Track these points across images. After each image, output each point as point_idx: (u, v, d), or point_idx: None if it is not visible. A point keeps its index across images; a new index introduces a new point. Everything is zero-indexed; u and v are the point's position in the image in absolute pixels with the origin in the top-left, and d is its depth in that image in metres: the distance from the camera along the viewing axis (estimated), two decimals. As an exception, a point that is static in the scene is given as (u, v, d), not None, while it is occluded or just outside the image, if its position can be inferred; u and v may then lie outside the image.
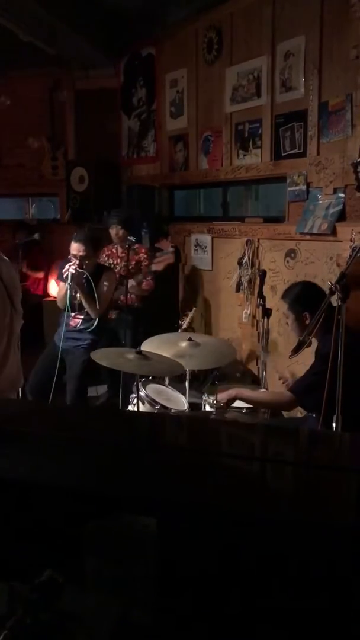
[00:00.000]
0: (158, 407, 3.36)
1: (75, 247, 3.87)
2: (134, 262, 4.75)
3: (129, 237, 4.53)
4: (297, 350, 2.70)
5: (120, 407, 3.97)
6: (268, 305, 3.86)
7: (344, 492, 1.32)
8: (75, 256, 3.86)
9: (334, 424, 2.34)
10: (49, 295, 6.29)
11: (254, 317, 4.73)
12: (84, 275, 3.83)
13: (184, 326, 4.69)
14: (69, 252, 3.98)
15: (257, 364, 4.70)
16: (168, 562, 1.14)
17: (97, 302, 3.92)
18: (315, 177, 4.04)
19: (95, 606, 1.05)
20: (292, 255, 4.33)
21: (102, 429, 1.72)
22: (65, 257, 4.00)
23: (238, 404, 3.19)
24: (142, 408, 3.37)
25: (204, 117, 5.20)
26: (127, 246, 4.46)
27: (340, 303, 2.32)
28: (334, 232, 3.79)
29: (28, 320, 2.70)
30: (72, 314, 3.97)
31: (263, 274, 4.06)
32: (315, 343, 2.84)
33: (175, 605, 1.17)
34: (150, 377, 3.77)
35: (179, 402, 3.63)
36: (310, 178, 4.09)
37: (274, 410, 3.21)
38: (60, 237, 6.43)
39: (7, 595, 0.99)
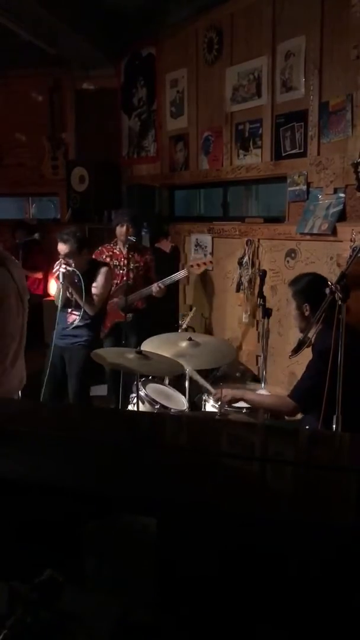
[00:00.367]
0: (158, 406, 3.37)
1: (59, 247, 3.90)
2: (142, 263, 4.74)
3: (129, 237, 4.52)
4: (297, 350, 2.70)
5: (120, 407, 3.97)
6: (268, 305, 3.86)
7: (344, 492, 1.32)
8: (61, 255, 3.88)
9: (333, 424, 2.33)
10: (49, 295, 6.29)
11: (254, 317, 4.73)
12: (76, 274, 3.81)
13: (184, 326, 4.70)
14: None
15: (257, 364, 4.70)
16: (168, 562, 1.14)
17: (92, 299, 3.91)
18: (316, 177, 4.04)
19: (95, 606, 1.05)
20: (293, 255, 4.33)
21: (102, 428, 1.72)
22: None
23: (238, 403, 3.19)
24: (142, 408, 3.38)
25: (205, 117, 5.20)
26: (127, 246, 4.45)
27: (340, 303, 2.32)
28: (334, 232, 3.79)
29: (28, 320, 2.74)
30: (69, 310, 3.97)
31: (263, 274, 4.06)
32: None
33: (175, 605, 1.17)
34: (150, 377, 3.77)
35: (179, 401, 3.63)
36: (310, 178, 4.09)
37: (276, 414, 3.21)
38: (61, 237, 6.43)
39: (7, 595, 0.99)
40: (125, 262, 4.71)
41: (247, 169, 4.74)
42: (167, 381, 3.96)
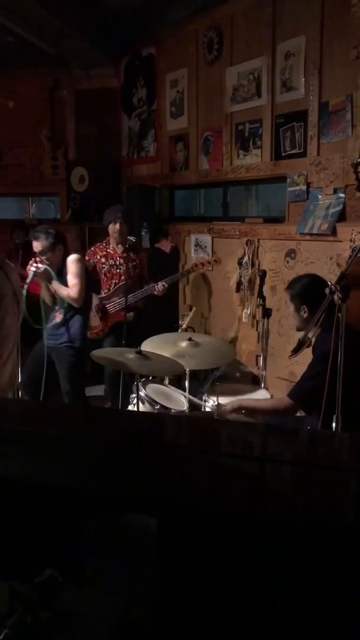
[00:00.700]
0: (158, 407, 3.37)
1: (33, 244, 3.93)
2: (137, 261, 4.75)
3: (129, 237, 4.51)
4: (297, 350, 2.71)
5: (119, 407, 3.98)
6: (268, 305, 3.86)
7: (344, 492, 1.32)
8: (36, 253, 3.91)
9: (333, 424, 2.34)
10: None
11: (253, 317, 4.73)
12: (48, 271, 3.83)
13: (184, 326, 4.70)
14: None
15: (256, 364, 4.70)
16: (168, 562, 1.14)
17: (73, 291, 3.91)
18: (316, 177, 4.04)
19: (95, 606, 1.05)
20: (292, 255, 4.34)
21: (102, 428, 1.72)
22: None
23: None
24: (141, 408, 3.38)
25: (204, 117, 5.20)
26: (127, 245, 4.45)
27: (340, 303, 2.32)
28: (334, 232, 3.79)
29: (27, 320, 2.76)
30: (56, 308, 4.00)
31: (263, 274, 4.06)
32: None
33: (175, 605, 1.17)
34: (150, 377, 3.78)
35: (179, 402, 3.63)
36: (310, 178, 4.09)
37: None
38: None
39: (7, 595, 0.99)
40: (121, 261, 4.71)
41: (247, 169, 4.74)
42: (167, 381, 3.96)
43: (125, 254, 4.63)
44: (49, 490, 1.31)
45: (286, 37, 4.23)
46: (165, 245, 5.55)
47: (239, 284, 4.83)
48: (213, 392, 3.36)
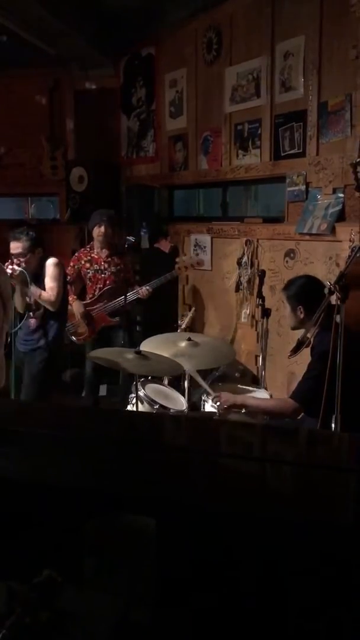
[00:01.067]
0: (157, 406, 3.37)
1: (11, 245, 3.83)
2: (122, 265, 4.73)
3: (128, 237, 4.51)
4: (296, 350, 2.70)
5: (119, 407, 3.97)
6: (267, 305, 3.85)
7: (344, 492, 1.32)
8: (13, 255, 3.81)
9: (332, 424, 2.33)
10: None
11: (253, 317, 4.73)
12: (24, 274, 3.72)
13: (183, 326, 4.70)
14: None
15: (256, 364, 4.70)
16: (167, 562, 1.14)
17: (49, 295, 3.83)
18: (315, 177, 4.04)
19: (94, 606, 1.05)
20: (292, 255, 4.34)
21: (102, 428, 1.72)
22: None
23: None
24: (141, 408, 3.37)
25: (204, 117, 5.20)
26: (126, 246, 4.45)
27: (339, 303, 2.32)
28: (333, 232, 3.79)
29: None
30: (30, 314, 3.90)
31: (262, 274, 4.06)
32: (314, 343, 2.84)
33: (175, 604, 1.17)
34: (150, 377, 3.77)
35: (178, 401, 3.63)
36: (309, 178, 4.09)
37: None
38: (59, 237, 6.42)
39: (6, 595, 0.99)
40: (106, 265, 4.70)
41: (246, 169, 4.74)
42: (166, 381, 3.96)
43: (109, 258, 4.64)
44: (48, 490, 1.31)
45: (285, 37, 4.23)
46: (165, 246, 5.55)
47: (238, 284, 4.83)
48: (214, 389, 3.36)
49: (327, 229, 3.81)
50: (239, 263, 4.80)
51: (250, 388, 3.72)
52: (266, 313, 3.80)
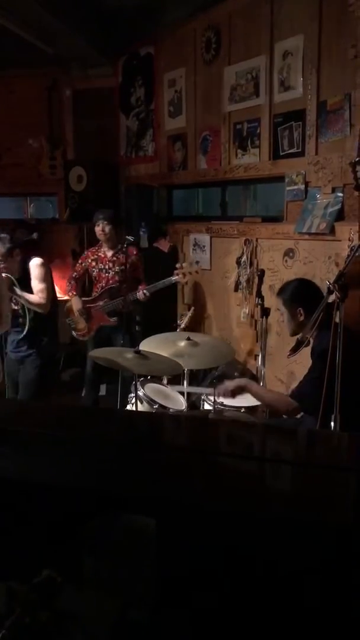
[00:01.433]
0: (156, 406, 3.37)
1: None
2: (128, 265, 4.74)
3: (127, 237, 4.52)
4: (295, 349, 2.70)
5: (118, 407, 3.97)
6: (266, 304, 3.85)
7: (344, 492, 1.32)
8: None
9: (332, 424, 2.33)
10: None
11: (252, 316, 4.73)
12: (10, 279, 3.59)
13: (183, 326, 4.70)
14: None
15: (255, 364, 4.70)
16: (167, 562, 1.14)
17: (38, 297, 3.69)
18: (314, 177, 4.04)
19: (93, 606, 1.05)
20: (291, 254, 4.34)
21: (102, 428, 1.72)
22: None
23: (237, 403, 3.19)
24: (140, 407, 3.38)
25: (203, 117, 5.20)
26: (125, 245, 4.46)
27: (338, 302, 2.32)
28: (332, 231, 3.79)
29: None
30: (20, 320, 3.77)
31: (261, 273, 4.06)
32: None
33: (174, 604, 1.17)
34: (149, 377, 3.78)
35: (178, 401, 3.63)
36: (308, 177, 4.09)
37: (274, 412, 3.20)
38: (59, 237, 6.43)
39: (5, 595, 0.99)
40: (110, 265, 4.74)
41: (245, 169, 4.74)
42: (165, 381, 3.96)
43: (114, 258, 4.67)
44: (48, 490, 1.31)
45: (284, 36, 4.23)
46: (164, 245, 5.55)
47: (238, 283, 4.83)
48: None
49: (327, 228, 3.81)
50: (238, 262, 4.80)
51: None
52: (265, 312, 3.80)
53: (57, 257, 6.46)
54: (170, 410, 3.40)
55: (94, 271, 4.86)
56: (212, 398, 3.31)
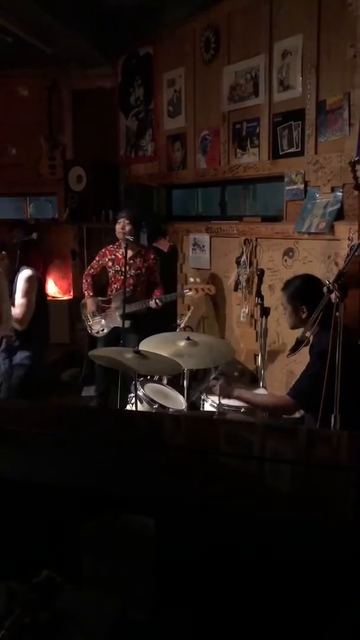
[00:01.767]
0: (156, 406, 3.37)
1: None
2: (144, 269, 4.73)
3: (127, 237, 4.51)
4: (295, 349, 2.70)
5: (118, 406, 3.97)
6: (266, 304, 3.86)
7: (344, 492, 1.32)
8: None
9: (332, 424, 2.33)
10: (46, 295, 6.29)
11: (252, 316, 4.73)
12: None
13: (182, 325, 4.70)
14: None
15: (255, 363, 4.70)
16: (166, 562, 1.14)
17: (17, 311, 3.50)
18: (313, 176, 4.04)
19: (93, 606, 1.05)
20: (290, 254, 4.34)
21: (101, 428, 1.71)
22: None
23: (237, 402, 3.19)
24: (140, 407, 3.37)
25: (202, 116, 5.20)
26: (125, 245, 4.45)
27: (338, 302, 2.32)
28: (331, 231, 3.79)
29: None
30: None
31: (261, 273, 4.06)
32: (313, 342, 2.84)
33: (174, 604, 1.17)
34: (149, 377, 3.77)
35: (177, 401, 3.63)
36: (308, 177, 4.09)
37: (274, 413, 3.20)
38: (58, 237, 6.43)
39: (5, 595, 0.99)
40: (128, 268, 4.69)
41: (245, 168, 4.74)
42: (165, 381, 3.96)
43: (131, 261, 4.63)
44: (47, 490, 1.30)
45: (283, 36, 4.23)
46: (164, 245, 5.55)
47: (237, 283, 4.83)
48: (211, 391, 3.36)
49: (326, 227, 3.81)
50: (238, 262, 4.80)
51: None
52: (265, 312, 3.80)
53: (56, 257, 6.47)
54: (170, 410, 3.40)
55: (110, 271, 4.84)
56: (212, 398, 3.31)
